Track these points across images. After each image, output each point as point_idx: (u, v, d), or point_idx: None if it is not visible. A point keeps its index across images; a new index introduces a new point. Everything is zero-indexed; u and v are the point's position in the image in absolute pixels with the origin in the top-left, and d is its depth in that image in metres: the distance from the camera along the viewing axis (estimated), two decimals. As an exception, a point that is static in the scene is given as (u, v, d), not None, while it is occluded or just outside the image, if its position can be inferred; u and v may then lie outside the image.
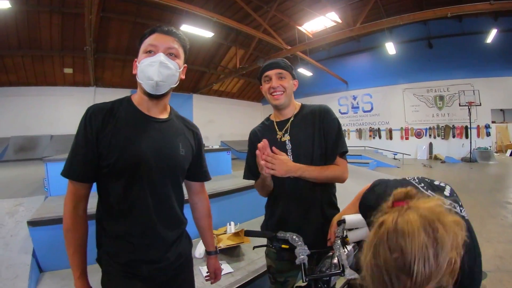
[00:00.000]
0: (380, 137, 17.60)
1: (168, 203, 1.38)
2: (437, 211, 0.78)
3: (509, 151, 16.98)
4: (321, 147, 1.68)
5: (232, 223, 3.70)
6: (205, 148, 6.20)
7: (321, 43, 12.94)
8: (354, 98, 18.78)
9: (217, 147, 7.28)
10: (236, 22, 11.15)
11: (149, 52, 1.30)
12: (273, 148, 1.51)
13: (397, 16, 10.27)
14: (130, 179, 1.26)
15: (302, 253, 1.40)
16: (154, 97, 1.34)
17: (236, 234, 3.18)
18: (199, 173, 1.62)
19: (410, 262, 0.71)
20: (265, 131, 1.82)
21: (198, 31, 11.44)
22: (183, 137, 1.46)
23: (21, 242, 2.84)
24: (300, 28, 14.61)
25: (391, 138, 17.36)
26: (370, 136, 17.76)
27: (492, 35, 13.26)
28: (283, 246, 1.51)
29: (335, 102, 19.15)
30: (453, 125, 15.58)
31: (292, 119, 1.77)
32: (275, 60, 1.75)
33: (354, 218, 1.47)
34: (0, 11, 8.89)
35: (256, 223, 3.71)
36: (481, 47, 14.41)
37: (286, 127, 1.75)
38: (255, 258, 2.97)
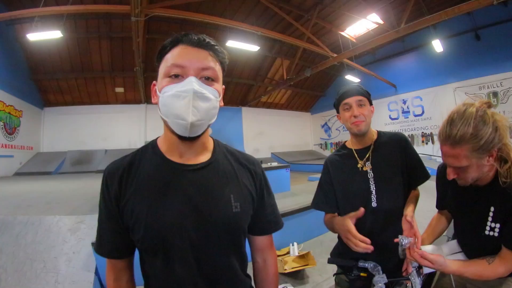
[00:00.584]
0: (433, 142, 16.36)
1: (225, 276, 1.02)
2: (499, 118, 1.26)
3: None
4: (403, 175, 1.65)
5: (296, 243, 3.53)
6: (265, 166, 5.95)
7: (367, 48, 12.71)
8: (404, 102, 17.84)
9: (275, 164, 7.01)
10: (280, 34, 11.41)
11: (175, 77, 0.94)
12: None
13: (441, 12, 9.85)
14: (166, 257, 0.95)
15: (380, 281, 1.37)
16: (188, 140, 0.98)
17: (301, 256, 3.10)
18: (265, 223, 1.19)
19: (463, 116, 1.18)
20: (345, 160, 1.76)
21: (244, 45, 11.80)
22: (235, 184, 1.07)
23: (83, 260, 2.92)
24: (343, 33, 14.52)
25: None
26: (422, 141, 16.74)
27: None
28: (362, 274, 1.45)
29: (385, 108, 18.48)
30: (510, 125, 14.03)
31: (372, 147, 1.72)
32: (353, 87, 1.70)
33: (429, 249, 1.47)
34: (53, 40, 9.82)
35: (317, 242, 3.78)
36: None
37: (367, 155, 1.70)
38: (321, 280, 2.86)
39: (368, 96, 1.70)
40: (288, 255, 3.26)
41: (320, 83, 21.29)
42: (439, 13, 9.94)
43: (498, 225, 1.24)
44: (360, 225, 1.46)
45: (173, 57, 0.95)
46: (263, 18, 12.66)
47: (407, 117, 17.67)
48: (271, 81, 17.85)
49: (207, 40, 0.98)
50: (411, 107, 17.47)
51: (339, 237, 1.70)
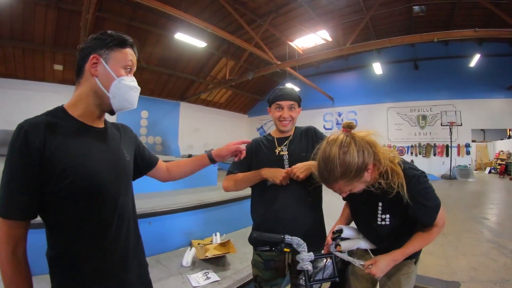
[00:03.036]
0: (363, 153, 17.89)
1: (130, 220, 1.30)
2: (363, 137, 1.36)
3: (487, 169, 17.98)
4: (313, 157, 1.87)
5: (218, 233, 3.74)
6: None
7: (311, 60, 13.25)
8: (339, 114, 19.25)
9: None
10: (229, 34, 11.26)
11: (128, 71, 1.27)
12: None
13: (386, 39, 10.73)
14: (90, 201, 1.12)
15: (306, 258, 1.45)
16: (111, 113, 1.29)
17: (222, 244, 3.24)
18: (149, 159, 1.59)
19: (328, 160, 1.30)
20: (267, 143, 2.09)
21: (192, 40, 11.60)
22: (123, 141, 1.39)
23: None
24: (291, 43, 14.94)
25: None
26: (356, 152, 18.05)
27: (475, 60, 14.05)
28: (285, 249, 1.56)
29: (320, 118, 19.60)
30: (434, 144, 16.22)
31: (290, 137, 2.07)
32: (288, 92, 2.01)
33: (348, 228, 1.69)
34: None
35: (240, 234, 3.92)
36: (464, 70, 15.23)
37: (285, 143, 2.05)
38: (241, 267, 3.04)
39: (299, 101, 2.05)
40: (210, 243, 3.43)
41: (261, 87, 21.67)
42: (383, 40, 10.83)
43: (387, 216, 1.53)
44: (274, 199, 1.92)
45: (131, 55, 1.26)
46: (216, 16, 12.48)
47: (341, 129, 18.72)
48: (213, 79, 17.61)
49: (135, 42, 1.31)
50: (345, 119, 18.54)
51: (257, 215, 2.05)
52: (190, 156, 15.71)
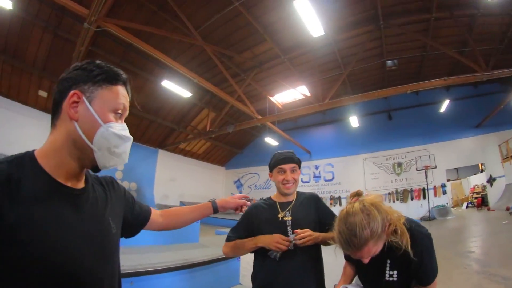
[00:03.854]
0: (340, 204, 18.11)
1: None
2: (373, 201, 1.46)
3: (465, 204, 18.45)
4: (316, 224, 2.04)
5: None
6: None
7: (292, 116, 13.82)
8: (317, 167, 19.65)
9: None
10: (214, 86, 11.60)
11: (119, 115, 1.03)
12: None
13: (363, 93, 11.57)
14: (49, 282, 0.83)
15: None
16: (95, 171, 1.03)
17: None
18: (143, 214, 1.37)
19: (354, 229, 1.37)
20: (269, 208, 2.12)
21: (177, 89, 11.86)
22: (110, 206, 1.12)
23: None
24: (271, 98, 15.61)
25: None
26: (331, 204, 18.24)
27: (445, 105, 15.31)
28: None
29: (297, 172, 19.73)
30: (411, 189, 16.63)
31: (293, 202, 2.11)
32: (289, 155, 2.11)
33: (354, 286, 1.77)
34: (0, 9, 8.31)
35: None
36: (435, 116, 16.42)
37: (288, 208, 2.07)
38: None
39: (299, 163, 2.16)
40: None
41: (240, 140, 22.00)
42: (360, 95, 11.65)
43: (395, 272, 1.58)
44: (276, 265, 1.89)
45: (122, 96, 1.03)
46: (202, 67, 12.91)
47: (318, 181, 19.44)
48: (194, 129, 17.73)
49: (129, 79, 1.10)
50: (323, 172, 19.38)
51: (256, 260, 2.07)
52: (166, 206, 15.30)
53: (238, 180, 22.48)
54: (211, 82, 11.83)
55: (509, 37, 11.33)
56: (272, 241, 1.85)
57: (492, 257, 6.28)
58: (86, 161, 0.97)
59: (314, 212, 2.09)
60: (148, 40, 9.13)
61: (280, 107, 16.12)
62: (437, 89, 15.06)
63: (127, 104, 1.05)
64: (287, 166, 2.07)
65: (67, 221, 0.89)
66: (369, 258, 1.46)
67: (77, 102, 0.95)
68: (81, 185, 1.02)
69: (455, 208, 17.72)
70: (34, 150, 0.95)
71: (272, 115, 14.11)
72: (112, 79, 1.01)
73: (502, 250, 6.77)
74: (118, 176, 14.69)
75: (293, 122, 20.56)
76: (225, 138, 20.42)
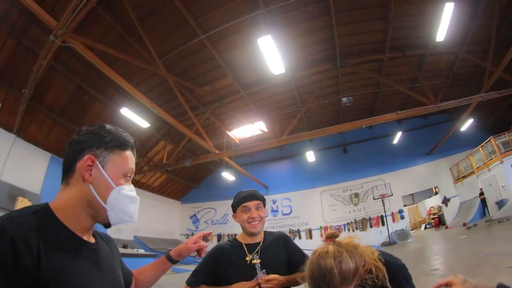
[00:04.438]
0: (300, 237, 18.27)
1: None
2: (349, 243, 1.46)
3: (423, 226, 19.56)
4: (287, 265, 1.98)
5: None
6: (131, 253, 5.68)
7: (250, 151, 14.06)
8: (274, 202, 19.80)
9: (142, 251, 6.67)
10: (173, 118, 11.62)
11: (128, 178, 1.13)
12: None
13: (320, 129, 12.26)
14: None
15: None
16: (107, 227, 1.11)
17: None
18: (129, 273, 1.41)
19: (324, 274, 1.32)
20: (235, 250, 2.00)
21: (137, 118, 11.66)
22: (115, 259, 1.23)
23: None
24: (229, 133, 15.76)
25: (311, 237, 18.24)
26: (290, 236, 18.08)
27: (397, 137, 16.78)
28: None
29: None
30: (369, 217, 17.33)
31: (261, 244, 2.03)
32: (252, 193, 2.04)
33: None
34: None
35: None
36: (389, 147, 17.77)
37: (256, 250, 1.98)
38: None
39: (264, 201, 2.08)
40: None
41: (196, 174, 21.77)
42: (317, 131, 12.28)
43: None
44: None
45: (131, 161, 1.14)
46: (163, 97, 12.90)
47: (276, 215, 19.58)
48: (150, 161, 17.18)
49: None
50: (280, 206, 19.63)
51: None
52: (119, 241, 14.37)
53: (194, 215, 21.96)
54: (170, 114, 11.86)
55: (454, 72, 12.92)
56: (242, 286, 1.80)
57: (457, 271, 6.35)
58: (100, 218, 1.07)
59: (283, 253, 2.02)
60: (112, 65, 8.91)
61: (238, 142, 16.26)
62: (390, 122, 16.20)
63: (134, 167, 1.16)
64: (251, 204, 1.99)
65: (93, 274, 0.99)
66: None
67: (91, 166, 1.03)
68: (92, 239, 1.11)
69: (414, 231, 18.63)
70: (47, 203, 1.01)
71: (229, 150, 14.38)
72: (122, 145, 1.11)
73: (465, 262, 7.10)
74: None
75: (250, 157, 20.81)
76: (181, 172, 20.10)
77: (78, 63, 10.78)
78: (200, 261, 2.08)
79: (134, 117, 11.59)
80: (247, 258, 1.94)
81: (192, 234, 20.62)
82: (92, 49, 8.13)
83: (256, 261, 1.93)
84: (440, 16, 8.83)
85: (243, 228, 2.01)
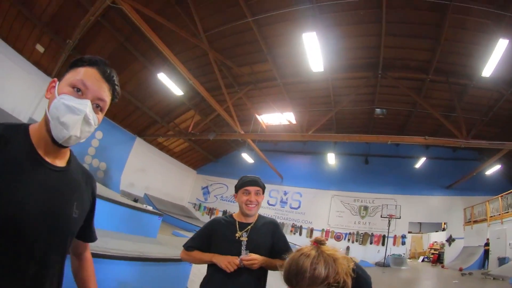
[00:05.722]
0: (300, 234, 18.43)
1: (48, 278, 1.10)
2: (331, 255, 1.56)
3: (421, 258, 19.33)
4: (270, 250, 2.22)
5: None
6: (138, 207, 5.82)
7: (274, 139, 14.09)
8: (285, 193, 19.99)
9: (150, 209, 6.87)
10: (206, 91, 11.65)
11: (77, 91, 1.09)
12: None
13: (346, 134, 12.18)
14: (12, 239, 0.96)
15: None
16: (57, 145, 1.09)
17: None
18: (88, 232, 1.41)
19: (298, 271, 1.48)
20: (229, 225, 2.26)
21: (172, 85, 11.94)
22: (79, 194, 1.22)
23: None
24: (258, 117, 15.85)
25: (311, 236, 18.11)
26: (291, 231, 18.47)
27: (421, 162, 16.29)
28: None
29: (266, 193, 19.55)
30: (372, 233, 17.18)
31: (252, 224, 2.27)
32: (255, 179, 2.29)
33: None
34: None
35: None
36: (410, 169, 17.35)
37: (246, 229, 2.23)
38: None
39: (263, 188, 2.34)
40: None
41: (217, 149, 22.01)
42: (344, 135, 12.19)
43: None
44: (225, 281, 2.06)
45: (85, 74, 1.10)
46: (201, 70, 13.01)
47: (283, 207, 19.73)
48: (176, 127, 17.45)
49: (114, 78, 1.19)
50: (290, 199, 19.73)
51: (209, 270, 2.23)
52: (130, 195, 14.87)
53: (207, 187, 22.36)
54: (205, 87, 11.89)
55: (494, 111, 12.22)
56: (224, 261, 2.02)
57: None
58: (49, 133, 1.06)
59: (270, 238, 2.25)
60: (156, 30, 9.08)
61: (265, 127, 16.39)
62: (417, 145, 15.82)
63: (92, 85, 1.11)
64: (252, 189, 2.24)
65: (33, 192, 1.00)
66: None
67: (54, 86, 1.11)
68: (60, 164, 1.14)
69: (411, 260, 18.48)
70: (30, 124, 1.11)
71: (254, 133, 14.47)
72: (79, 63, 1.13)
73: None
74: (90, 152, 14.27)
75: (273, 145, 20.88)
76: (203, 143, 20.35)
77: (124, 22, 10.92)
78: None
79: (169, 83, 11.91)
80: (237, 235, 2.18)
81: (200, 205, 21.81)
82: (139, 12, 8.28)
83: (244, 238, 2.17)
84: (491, 50, 8.25)
85: (241, 208, 2.27)
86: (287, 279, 1.57)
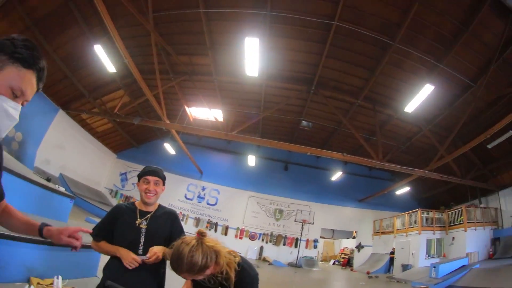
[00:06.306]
0: (216, 231, 18.92)
1: None
2: (208, 246, 1.77)
3: (332, 261, 21.39)
4: (167, 237, 2.37)
5: (60, 277, 3.31)
6: (50, 187, 5.70)
7: (198, 133, 14.50)
8: (203, 189, 20.37)
9: (63, 190, 6.34)
10: (139, 74, 11.18)
11: (14, 96, 1.05)
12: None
13: (269, 140, 13.10)
14: None
15: None
16: None
17: None
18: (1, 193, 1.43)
19: (179, 257, 1.70)
20: (130, 213, 2.38)
21: (106, 60, 11.47)
22: None
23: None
24: (186, 108, 15.95)
25: (226, 234, 18.93)
26: (206, 227, 18.72)
27: (337, 175, 18.13)
28: None
29: (184, 186, 20.31)
30: (285, 235, 18.49)
31: (152, 213, 2.42)
32: (155, 170, 2.44)
33: None
34: None
35: (83, 284, 3.67)
36: (327, 181, 19.19)
37: (146, 217, 2.37)
38: None
39: (164, 179, 2.49)
40: (51, 286, 3.25)
41: (141, 135, 21.32)
42: (266, 140, 13.16)
43: None
44: (126, 269, 2.18)
45: (27, 81, 1.07)
46: (139, 50, 12.52)
47: (200, 202, 20.12)
48: (102, 105, 16.11)
49: (43, 66, 1.12)
50: (208, 195, 20.22)
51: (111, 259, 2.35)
52: (45, 173, 13.58)
53: (125, 173, 21.51)
54: (139, 68, 11.38)
55: (411, 142, 14.43)
56: (127, 258, 2.13)
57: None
58: None
59: (168, 227, 2.41)
60: None
61: (191, 120, 16.48)
62: (336, 160, 17.02)
63: (28, 92, 1.07)
64: (151, 178, 2.37)
65: None
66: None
67: None
68: None
69: (322, 262, 20.30)
70: None
71: (180, 125, 14.60)
72: (25, 63, 1.04)
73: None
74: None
75: (197, 139, 20.87)
76: (127, 127, 19.41)
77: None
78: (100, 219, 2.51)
79: (104, 57, 11.41)
80: (137, 222, 2.32)
81: (117, 192, 20.99)
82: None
83: (143, 226, 2.31)
84: (418, 91, 9.85)
85: (141, 196, 2.42)
86: (171, 263, 1.76)
